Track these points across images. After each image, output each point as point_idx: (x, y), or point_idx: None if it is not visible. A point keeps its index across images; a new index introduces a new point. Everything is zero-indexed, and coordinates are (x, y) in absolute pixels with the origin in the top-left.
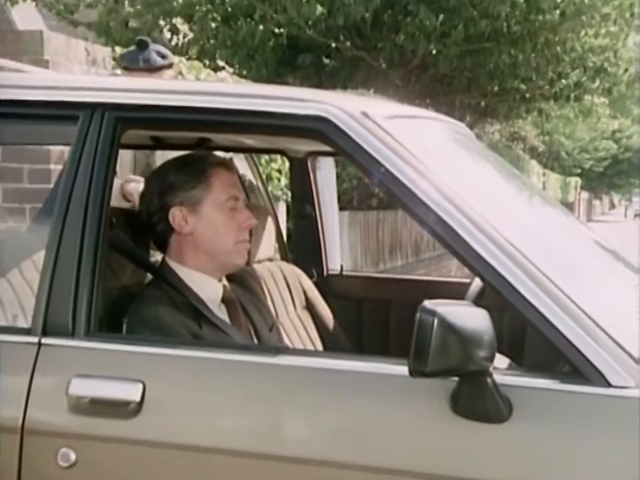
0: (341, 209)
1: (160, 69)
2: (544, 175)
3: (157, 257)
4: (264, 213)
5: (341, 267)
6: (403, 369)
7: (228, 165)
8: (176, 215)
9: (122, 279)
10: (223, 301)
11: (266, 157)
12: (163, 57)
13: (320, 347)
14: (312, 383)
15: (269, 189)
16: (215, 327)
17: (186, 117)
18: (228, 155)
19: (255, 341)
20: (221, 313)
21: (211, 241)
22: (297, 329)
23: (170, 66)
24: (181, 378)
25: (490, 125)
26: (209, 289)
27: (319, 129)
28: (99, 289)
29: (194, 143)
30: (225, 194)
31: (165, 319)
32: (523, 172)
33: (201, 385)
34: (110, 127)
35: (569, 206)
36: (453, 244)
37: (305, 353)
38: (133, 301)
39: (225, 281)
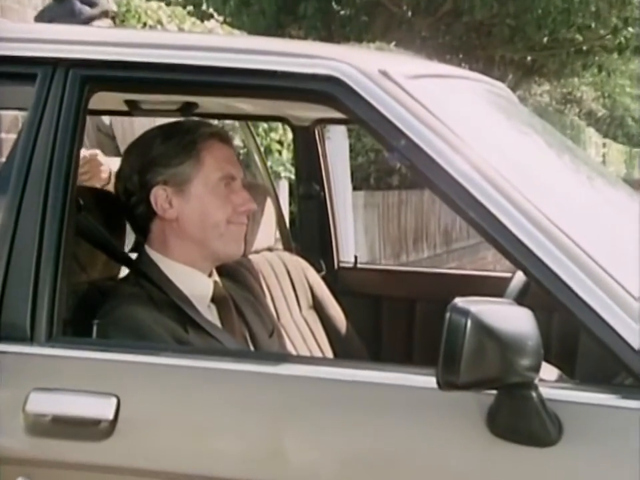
0: (355, 188)
1: (89, 21)
2: (604, 145)
3: (134, 246)
4: (262, 193)
5: (355, 258)
6: (429, 381)
7: (223, 136)
8: (159, 196)
9: (91, 273)
10: (214, 300)
11: (264, 125)
12: (92, 4)
13: (329, 354)
14: (320, 397)
15: (268, 164)
16: (203, 330)
17: (168, 77)
18: (219, 124)
19: (251, 347)
20: (211, 315)
21: (201, 228)
22: (301, 332)
23: (104, 15)
24: (162, 391)
25: (537, 85)
26: (196, 285)
27: (328, 91)
28: (62, 286)
29: (177, 109)
30: (218, 172)
31: (143, 320)
32: (577, 142)
33: (186, 400)
34: (75, 88)
35: (635, 184)
36: (490, 229)
37: (311, 360)
38: (104, 299)
39: (215, 276)
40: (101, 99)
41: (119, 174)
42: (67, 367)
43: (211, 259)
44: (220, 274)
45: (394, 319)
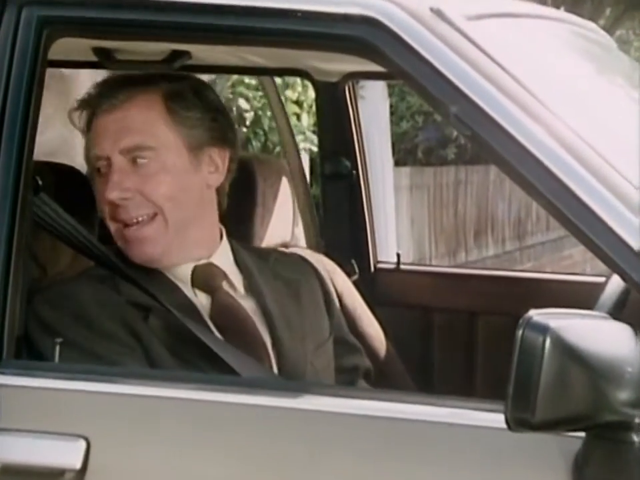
0: (398, 163)
1: None
2: None
3: None
4: (275, 170)
5: (398, 256)
6: (495, 418)
7: (96, 103)
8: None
9: (53, 274)
10: (197, 284)
11: (277, 80)
12: None
13: (363, 383)
14: (352, 438)
15: None
16: (180, 327)
17: (150, 18)
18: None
19: (272, 355)
20: (199, 305)
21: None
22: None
23: None
24: (145, 431)
25: None
26: (171, 270)
27: (364, 36)
28: (15, 292)
29: (162, 60)
30: (88, 149)
31: (80, 298)
32: None
33: (177, 444)
34: (30, 32)
35: None
36: (575, 217)
37: (340, 391)
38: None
39: (216, 257)
40: (66, 48)
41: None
42: (21, 399)
43: None
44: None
45: (448, 337)
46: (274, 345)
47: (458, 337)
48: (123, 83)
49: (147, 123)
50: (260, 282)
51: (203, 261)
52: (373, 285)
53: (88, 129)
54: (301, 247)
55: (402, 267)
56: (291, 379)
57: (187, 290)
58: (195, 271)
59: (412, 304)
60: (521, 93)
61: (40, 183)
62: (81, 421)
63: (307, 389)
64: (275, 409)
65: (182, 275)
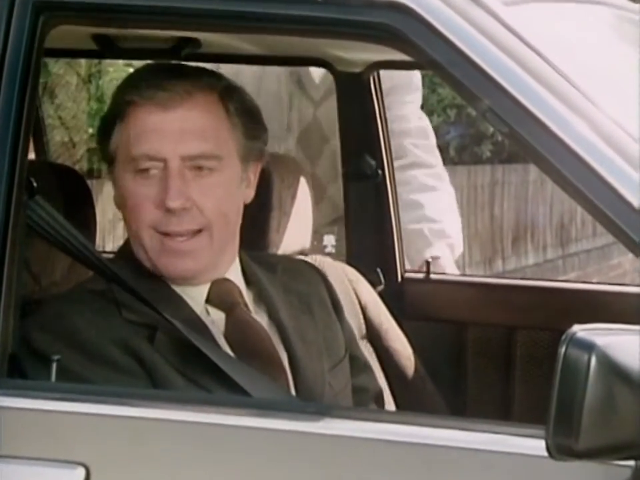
0: None
1: None
2: None
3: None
4: (292, 170)
5: (427, 264)
6: (535, 445)
7: (148, 96)
8: (112, 175)
9: (48, 285)
10: (212, 300)
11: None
12: None
13: (391, 405)
14: (375, 465)
15: None
16: (188, 342)
17: (157, 3)
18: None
19: (289, 376)
20: (210, 322)
21: (129, 229)
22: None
23: None
24: (149, 458)
25: None
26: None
27: (390, 24)
28: (7, 305)
29: (169, 48)
30: (130, 150)
31: (73, 320)
32: None
33: (183, 471)
34: (26, 19)
35: None
36: (620, 221)
37: (365, 414)
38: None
39: (230, 273)
40: (65, 35)
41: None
42: (15, 422)
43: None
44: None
45: (484, 354)
46: (291, 364)
47: (494, 354)
48: (177, 74)
49: (212, 127)
50: (271, 296)
51: (216, 276)
52: (401, 295)
53: (122, 119)
54: (321, 255)
55: (432, 276)
56: (309, 401)
57: (197, 306)
58: (211, 287)
59: (443, 318)
60: (562, 85)
61: (35, 184)
62: (80, 446)
63: (325, 411)
64: (290, 433)
65: (197, 291)
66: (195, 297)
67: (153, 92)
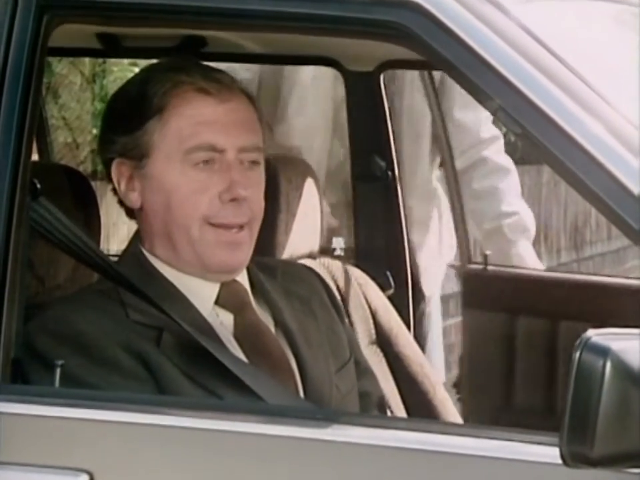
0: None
1: None
2: None
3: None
4: (300, 171)
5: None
6: (548, 452)
7: (204, 86)
8: (119, 173)
9: (52, 288)
10: (221, 302)
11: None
12: None
13: (402, 412)
14: (387, 473)
15: None
16: (198, 346)
17: (162, 1)
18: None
19: (299, 381)
20: (219, 324)
21: (167, 225)
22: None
23: None
24: (155, 466)
25: None
26: (193, 289)
27: (400, 22)
28: (10, 309)
29: (174, 47)
30: (190, 139)
31: (77, 322)
32: None
33: (194, 479)
34: (29, 18)
35: None
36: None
37: (376, 421)
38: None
39: (240, 275)
40: (68, 34)
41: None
42: (17, 429)
43: (190, 268)
44: (270, 279)
45: (496, 357)
46: (298, 367)
47: (503, 357)
48: (212, 67)
49: (254, 120)
50: (275, 299)
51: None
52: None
53: (163, 111)
54: (329, 258)
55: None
56: (317, 404)
57: (206, 308)
58: (221, 289)
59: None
60: (576, 85)
61: (38, 185)
62: (83, 452)
63: (333, 417)
64: (298, 440)
65: (207, 291)
66: (205, 297)
67: (205, 83)
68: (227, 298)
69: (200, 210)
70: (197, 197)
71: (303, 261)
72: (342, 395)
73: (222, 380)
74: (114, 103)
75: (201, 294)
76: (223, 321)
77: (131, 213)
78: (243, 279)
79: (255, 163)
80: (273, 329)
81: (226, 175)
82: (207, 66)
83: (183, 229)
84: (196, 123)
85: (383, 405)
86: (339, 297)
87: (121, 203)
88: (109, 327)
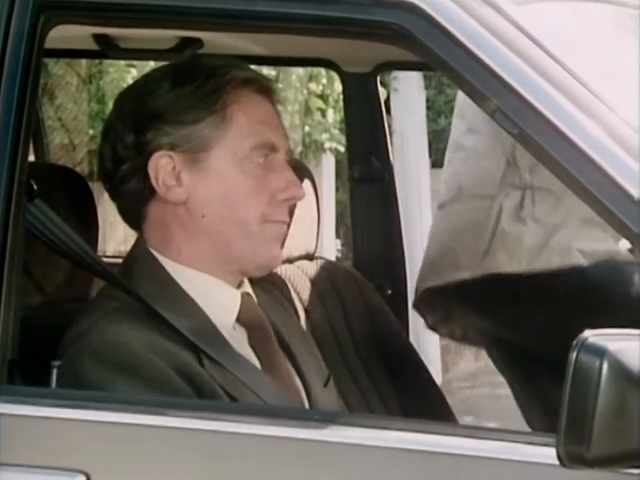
0: (435, 165)
1: None
2: None
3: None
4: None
5: None
6: (545, 453)
7: (264, 85)
8: (161, 166)
9: (49, 292)
10: (241, 319)
11: (299, 71)
12: None
13: (399, 414)
14: (386, 474)
15: (305, 129)
16: (227, 364)
17: (159, 2)
18: None
19: (304, 397)
20: (237, 342)
21: (220, 221)
22: (358, 382)
23: None
24: (153, 467)
25: None
26: (216, 297)
27: (398, 23)
28: (8, 310)
29: (170, 48)
30: (253, 137)
31: (134, 347)
32: None
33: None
34: (26, 18)
35: None
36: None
37: (375, 422)
38: (71, 322)
39: (247, 287)
40: (64, 35)
41: (105, 131)
42: (14, 429)
43: (232, 267)
44: (255, 287)
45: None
46: (302, 384)
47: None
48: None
49: None
50: (268, 313)
51: (241, 290)
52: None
53: (223, 108)
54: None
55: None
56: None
57: (226, 321)
58: (242, 304)
59: None
60: (575, 87)
61: (35, 187)
62: (80, 453)
63: (334, 419)
64: (300, 441)
65: (230, 302)
66: (226, 309)
67: (267, 83)
68: (247, 314)
69: (260, 207)
70: (258, 194)
71: (300, 263)
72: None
73: (252, 397)
74: (158, 96)
75: (223, 303)
76: (240, 335)
77: (126, 210)
78: (250, 291)
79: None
80: (274, 340)
81: (281, 174)
82: (242, 65)
83: (242, 224)
84: (257, 121)
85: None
86: (312, 314)
87: (117, 200)
88: (144, 337)
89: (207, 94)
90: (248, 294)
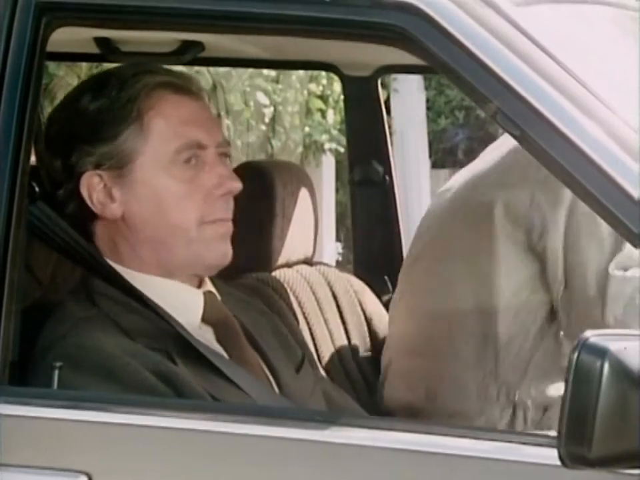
0: (435, 166)
1: None
2: None
3: None
4: (296, 177)
5: None
6: (546, 453)
7: (180, 85)
8: (92, 187)
9: (50, 289)
10: (206, 319)
11: (298, 72)
12: None
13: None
14: (384, 475)
15: (305, 130)
16: (202, 360)
17: (161, 5)
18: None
19: (275, 386)
20: (205, 340)
21: (157, 230)
22: (355, 386)
23: None
24: (154, 467)
25: None
26: (179, 300)
27: (399, 25)
28: (10, 311)
29: (172, 52)
30: (174, 140)
31: (110, 350)
32: None
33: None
34: (28, 20)
35: None
36: (620, 213)
37: (373, 422)
38: (50, 324)
39: (208, 286)
40: (65, 38)
41: (39, 158)
42: (16, 431)
43: (183, 271)
44: (226, 288)
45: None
46: (271, 374)
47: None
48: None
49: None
50: (232, 307)
51: (202, 289)
52: None
53: (140, 116)
54: (326, 264)
55: None
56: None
57: (192, 321)
58: (206, 303)
59: None
60: (575, 88)
61: (37, 189)
62: (82, 454)
63: (335, 419)
64: (300, 442)
65: (194, 303)
66: (191, 309)
67: (181, 82)
68: (211, 312)
69: (195, 210)
70: (191, 196)
71: (299, 267)
72: (308, 394)
73: (229, 391)
74: (77, 115)
75: (187, 304)
76: (207, 333)
77: (82, 232)
78: (212, 289)
79: (227, 156)
80: (242, 335)
81: (213, 171)
82: (167, 67)
83: (180, 230)
84: (178, 123)
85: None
86: (287, 311)
87: (68, 220)
88: (117, 341)
89: (121, 106)
90: (210, 292)
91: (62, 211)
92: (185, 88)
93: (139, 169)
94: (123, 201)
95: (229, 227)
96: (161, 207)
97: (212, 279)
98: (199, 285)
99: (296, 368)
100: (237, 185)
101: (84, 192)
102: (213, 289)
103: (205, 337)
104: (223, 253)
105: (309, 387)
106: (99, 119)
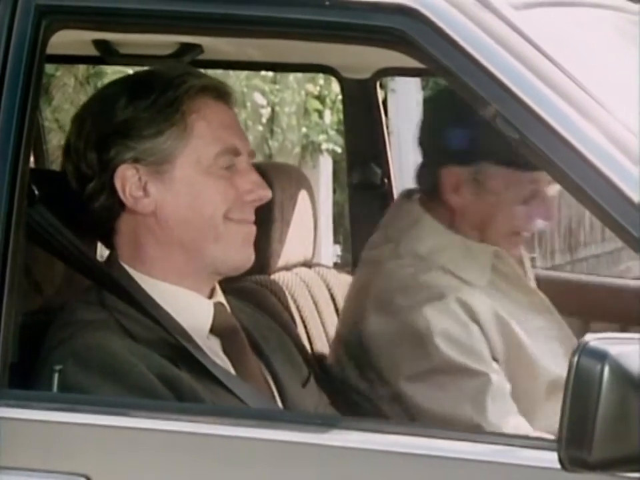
0: None
1: None
2: None
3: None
4: (295, 179)
5: None
6: (546, 457)
7: (221, 91)
8: (127, 180)
9: (50, 294)
10: (214, 330)
11: (297, 75)
12: None
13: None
14: (384, 477)
15: (302, 130)
16: (204, 371)
17: (160, 7)
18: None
19: (278, 399)
20: (211, 351)
21: (190, 226)
22: (351, 387)
23: None
24: (153, 470)
25: None
26: (188, 308)
27: (398, 28)
28: (10, 314)
29: (170, 54)
30: (215, 144)
31: (117, 351)
32: None
33: None
34: (28, 23)
35: None
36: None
37: (373, 425)
38: (56, 326)
39: (219, 297)
40: (64, 40)
41: (67, 150)
42: (15, 433)
43: (206, 272)
44: (229, 295)
45: None
46: (277, 388)
47: None
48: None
49: None
50: (242, 320)
51: (213, 300)
52: None
53: (182, 119)
54: (324, 266)
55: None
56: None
57: (200, 330)
58: (215, 315)
59: None
60: (575, 92)
61: (37, 192)
62: (81, 457)
63: (336, 422)
64: (301, 445)
65: (203, 313)
66: (200, 319)
67: (223, 88)
68: (220, 323)
69: (225, 206)
70: (224, 195)
71: (297, 270)
72: (313, 409)
73: (230, 402)
74: (118, 111)
75: (197, 315)
76: (214, 343)
77: (97, 226)
78: (223, 300)
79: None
80: (247, 348)
81: (246, 177)
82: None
83: (208, 227)
84: (218, 128)
85: None
86: (288, 318)
87: (88, 217)
88: (124, 344)
89: (165, 106)
90: (221, 304)
91: (86, 205)
92: (226, 95)
93: (178, 168)
94: (157, 196)
95: (252, 230)
96: (194, 206)
97: (223, 290)
98: (211, 295)
99: (302, 383)
100: (268, 194)
101: (118, 184)
102: (224, 301)
103: (212, 347)
104: (248, 255)
105: (314, 402)
106: (141, 116)
